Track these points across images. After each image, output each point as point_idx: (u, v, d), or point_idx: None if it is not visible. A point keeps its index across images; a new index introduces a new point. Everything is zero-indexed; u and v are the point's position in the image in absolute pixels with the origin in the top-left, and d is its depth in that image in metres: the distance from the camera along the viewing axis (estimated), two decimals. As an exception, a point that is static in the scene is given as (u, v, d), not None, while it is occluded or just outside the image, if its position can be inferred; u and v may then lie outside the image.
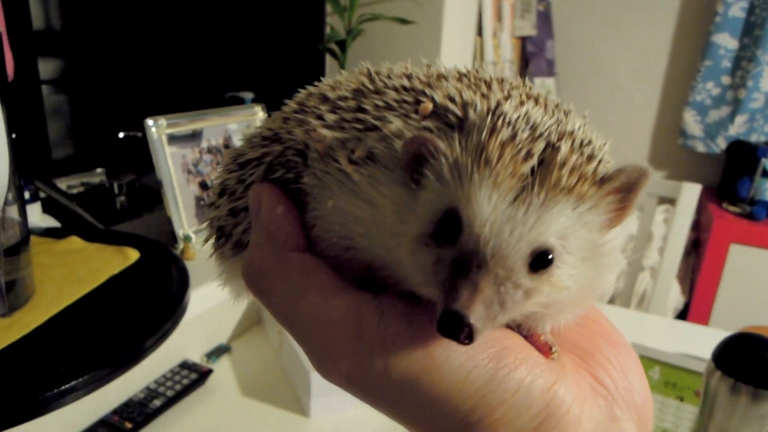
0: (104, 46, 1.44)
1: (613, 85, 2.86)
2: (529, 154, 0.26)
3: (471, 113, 0.27)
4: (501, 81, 0.31)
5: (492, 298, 0.25)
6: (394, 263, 0.28)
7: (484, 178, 0.25)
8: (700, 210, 2.50)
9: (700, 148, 2.71)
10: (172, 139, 1.12)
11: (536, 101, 0.30)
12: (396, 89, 0.31)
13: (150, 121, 1.07)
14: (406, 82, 0.31)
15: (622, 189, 0.27)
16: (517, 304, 0.26)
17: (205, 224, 0.38)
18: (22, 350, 0.67)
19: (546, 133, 0.27)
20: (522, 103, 0.28)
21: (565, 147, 0.26)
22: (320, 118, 0.31)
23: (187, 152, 1.16)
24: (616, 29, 2.84)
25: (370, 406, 0.28)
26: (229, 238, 0.35)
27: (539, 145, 0.26)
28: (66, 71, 1.41)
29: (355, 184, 0.28)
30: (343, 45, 1.75)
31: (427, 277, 0.26)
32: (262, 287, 0.30)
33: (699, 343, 1.17)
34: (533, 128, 0.27)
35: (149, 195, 1.32)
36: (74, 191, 1.34)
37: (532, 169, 0.26)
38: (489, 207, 0.25)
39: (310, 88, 0.34)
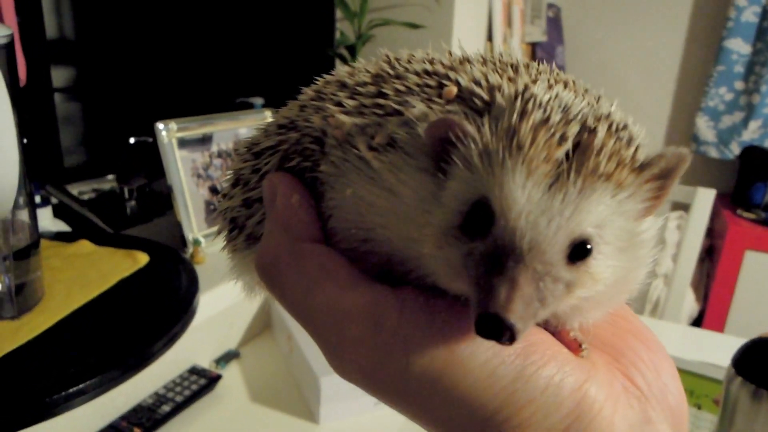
0: (115, 52, 1.45)
1: (624, 90, 2.84)
2: (563, 138, 0.24)
3: (498, 97, 0.26)
4: (527, 66, 0.29)
5: (531, 295, 0.23)
6: (417, 256, 0.27)
7: (517, 164, 0.24)
8: (714, 216, 2.47)
9: (714, 153, 2.68)
10: (183, 143, 1.12)
11: (565, 85, 0.28)
12: (417, 73, 0.29)
13: (160, 125, 1.07)
14: (428, 66, 0.29)
15: (661, 175, 0.26)
16: (558, 299, 0.24)
17: (217, 216, 0.36)
18: (30, 353, 0.66)
19: (580, 116, 0.25)
20: (551, 87, 0.27)
21: (602, 130, 0.25)
22: (339, 104, 0.30)
23: (197, 156, 1.16)
24: (627, 35, 2.82)
25: (388, 405, 0.27)
26: (242, 230, 0.34)
27: (573, 128, 0.25)
28: (78, 78, 1.42)
29: (375, 172, 0.27)
30: (353, 50, 1.75)
31: (457, 272, 0.25)
32: (276, 279, 0.29)
33: (716, 350, 1.15)
34: (566, 111, 0.25)
35: (160, 200, 1.32)
36: (85, 197, 1.34)
37: (567, 155, 0.24)
38: (523, 196, 0.24)
39: (327, 76, 0.33)
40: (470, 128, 0.25)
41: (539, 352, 0.25)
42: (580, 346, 0.27)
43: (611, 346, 0.28)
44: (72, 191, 1.29)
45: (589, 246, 0.25)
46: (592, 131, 0.25)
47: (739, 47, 2.55)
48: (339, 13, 1.76)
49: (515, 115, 0.25)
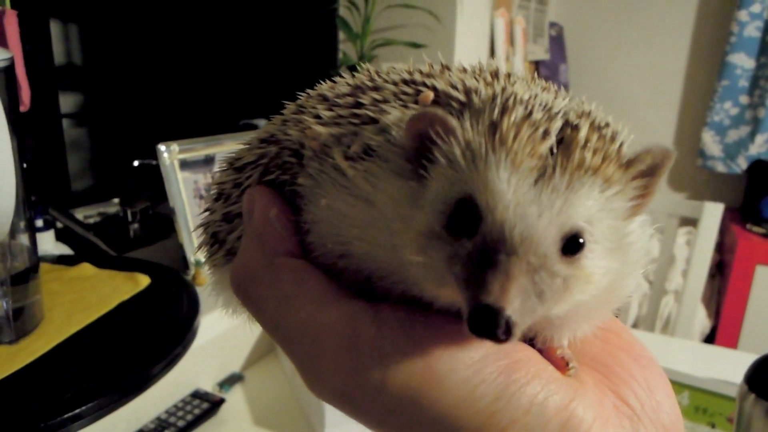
0: (121, 77, 1.47)
1: (628, 107, 2.84)
2: (546, 133, 0.24)
3: (475, 99, 0.25)
4: (509, 75, 0.29)
5: (528, 287, 0.22)
6: (399, 267, 0.26)
7: (501, 159, 0.23)
8: (724, 231, 2.45)
9: (720, 168, 2.66)
10: (185, 164, 1.12)
11: (545, 89, 0.28)
12: (395, 83, 0.29)
13: (162, 147, 1.07)
14: (406, 76, 0.29)
15: (647, 172, 0.25)
16: (556, 294, 0.23)
17: (198, 230, 0.36)
18: (28, 377, 0.65)
19: (561, 113, 0.25)
20: (530, 88, 0.26)
21: (584, 126, 0.24)
22: (317, 116, 0.29)
23: (199, 177, 1.16)
24: (630, 52, 2.83)
25: (365, 425, 0.25)
26: (222, 245, 0.33)
27: (557, 123, 0.24)
28: (85, 104, 1.43)
29: (350, 181, 0.26)
30: (355, 71, 1.76)
31: (443, 276, 0.23)
32: (250, 294, 0.28)
33: (729, 366, 1.12)
34: (547, 108, 0.25)
35: (163, 222, 1.32)
36: (91, 221, 1.35)
37: (551, 150, 0.24)
38: (510, 190, 0.23)
39: (310, 91, 0.32)
40: (453, 122, 0.24)
41: (523, 369, 0.24)
42: (567, 364, 0.26)
43: (601, 363, 0.27)
44: (78, 215, 1.29)
45: (581, 240, 0.24)
46: (575, 127, 0.24)
47: (743, 62, 2.55)
48: (342, 35, 1.78)
49: (497, 111, 0.24)
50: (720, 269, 2.55)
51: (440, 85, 0.27)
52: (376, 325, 0.25)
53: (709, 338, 2.42)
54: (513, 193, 0.23)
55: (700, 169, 2.74)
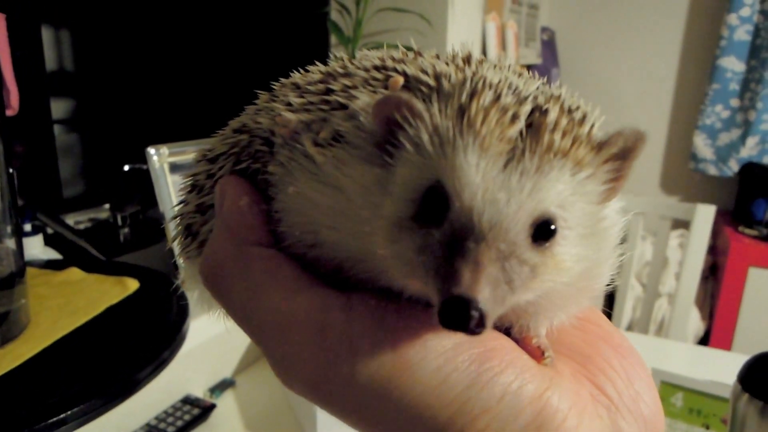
0: (112, 82, 1.46)
1: (620, 111, 2.85)
2: (515, 116, 0.23)
3: (445, 83, 0.25)
4: (481, 60, 0.29)
5: (498, 275, 0.21)
6: (368, 256, 0.25)
7: (469, 143, 0.23)
8: (716, 234, 2.46)
9: (712, 171, 2.68)
10: (175, 167, 1.11)
11: (519, 75, 0.27)
12: (366, 69, 0.28)
13: (152, 150, 1.06)
14: (377, 62, 0.29)
15: (620, 155, 0.25)
16: (527, 282, 0.22)
17: (171, 222, 0.35)
18: (12, 382, 0.64)
19: (531, 97, 0.24)
20: (501, 72, 0.26)
21: (554, 110, 0.24)
22: (288, 104, 0.29)
23: (189, 181, 1.15)
24: (621, 56, 2.84)
25: (338, 417, 0.25)
26: (195, 237, 0.33)
27: (526, 107, 0.24)
28: (76, 109, 1.42)
29: (319, 168, 0.25)
30: (347, 75, 1.75)
31: (413, 265, 0.23)
32: (219, 284, 0.28)
33: (723, 368, 1.12)
34: (516, 92, 0.24)
35: (153, 227, 1.31)
36: (81, 226, 1.33)
37: (521, 134, 0.23)
38: (478, 175, 0.22)
39: (283, 80, 0.32)
40: (419, 106, 0.24)
41: (497, 358, 0.23)
42: (543, 353, 0.25)
43: (579, 352, 0.27)
44: (69, 221, 1.28)
45: (553, 226, 0.23)
46: (545, 110, 0.24)
47: (733, 65, 2.57)
48: (333, 39, 1.78)
49: (465, 95, 0.24)
50: (713, 272, 2.56)
51: (410, 70, 0.26)
52: (346, 313, 0.24)
53: (703, 341, 2.43)
54: (481, 178, 0.22)
55: (692, 172, 2.75)
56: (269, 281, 0.26)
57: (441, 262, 0.22)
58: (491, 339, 0.24)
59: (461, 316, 0.20)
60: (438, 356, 0.23)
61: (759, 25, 2.52)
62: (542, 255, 0.23)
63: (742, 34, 2.53)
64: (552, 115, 0.23)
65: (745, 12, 2.50)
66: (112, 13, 1.44)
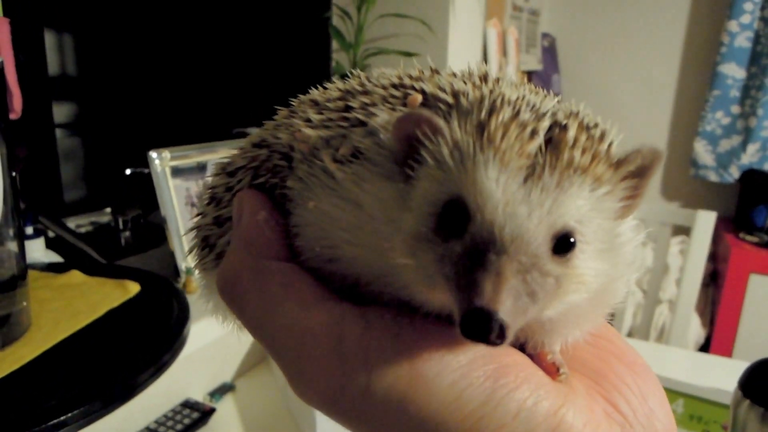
0: (114, 85, 1.46)
1: (621, 117, 2.83)
2: (534, 132, 0.24)
3: (463, 100, 0.25)
4: (498, 80, 0.29)
5: (519, 287, 0.22)
6: (388, 271, 0.25)
7: (489, 158, 0.23)
8: (717, 241, 2.45)
9: (713, 177, 2.68)
10: (177, 171, 1.11)
11: (534, 93, 0.28)
12: (385, 87, 0.29)
13: (153, 154, 1.06)
14: (395, 80, 0.29)
15: (637, 173, 0.25)
16: (549, 294, 0.23)
17: (189, 234, 0.35)
18: (13, 385, 0.64)
19: (549, 114, 0.25)
20: (518, 91, 0.26)
21: (573, 126, 0.24)
22: (307, 120, 0.29)
23: (191, 185, 1.15)
24: (622, 62, 2.85)
25: (349, 429, 0.25)
26: (212, 249, 0.33)
27: (544, 123, 0.24)
28: (78, 113, 1.43)
29: (338, 184, 0.26)
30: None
31: (434, 278, 0.23)
32: (236, 296, 0.28)
33: (724, 374, 1.12)
34: (534, 109, 0.25)
35: (155, 230, 1.31)
36: (83, 230, 1.34)
37: (540, 150, 0.24)
38: (499, 189, 0.23)
39: (302, 96, 0.32)
40: (440, 123, 0.24)
41: (512, 374, 0.23)
42: (558, 370, 0.25)
43: (593, 369, 0.27)
44: (70, 224, 1.28)
45: (572, 240, 0.23)
46: (564, 126, 0.24)
47: (734, 72, 2.57)
48: (335, 44, 1.78)
49: (484, 112, 0.24)
50: (714, 279, 2.55)
51: (428, 88, 0.27)
52: (362, 327, 0.24)
53: (704, 348, 2.42)
54: (502, 192, 0.23)
55: (693, 179, 2.76)
56: (285, 295, 0.26)
57: (462, 274, 0.22)
58: (506, 355, 0.24)
59: (483, 328, 0.21)
60: (453, 371, 0.23)
61: (759, 32, 2.52)
62: (563, 268, 0.23)
63: (743, 41, 2.54)
64: (571, 132, 0.24)
65: (746, 19, 2.51)
66: (114, 18, 1.45)
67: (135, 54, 1.49)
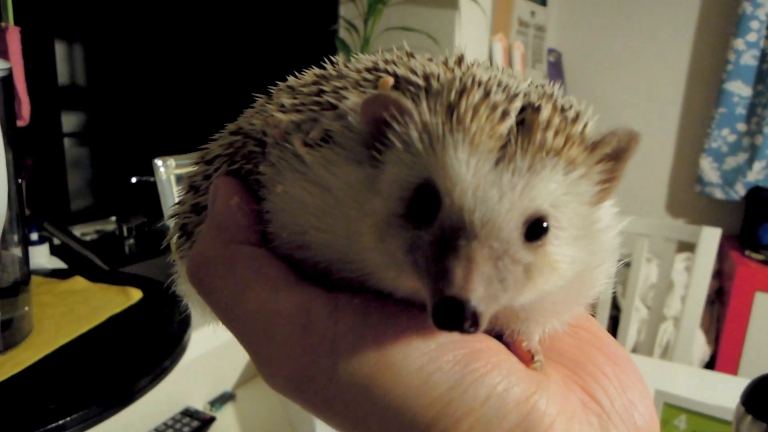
0: (122, 95, 1.48)
1: (626, 133, 2.85)
2: (505, 113, 0.23)
3: (434, 82, 0.25)
4: (474, 63, 0.29)
5: (491, 273, 0.21)
6: (357, 257, 0.25)
7: (459, 141, 0.22)
8: (723, 258, 2.44)
9: (719, 194, 2.67)
10: (181, 179, 1.12)
11: (508, 74, 0.27)
12: (359, 71, 0.28)
13: (158, 162, 1.07)
14: (369, 64, 0.29)
15: (613, 156, 0.24)
16: (520, 282, 0.22)
17: (168, 222, 0.35)
18: (13, 389, 0.64)
19: (521, 94, 0.24)
20: (491, 71, 0.26)
21: (546, 108, 0.24)
22: (281, 106, 0.29)
23: (195, 194, 1.16)
24: (628, 79, 2.86)
25: (319, 417, 0.25)
26: (189, 237, 0.33)
27: (516, 104, 0.24)
28: (86, 122, 1.44)
29: (308, 167, 0.25)
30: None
31: (403, 264, 0.23)
32: (206, 282, 0.28)
33: (727, 392, 1.11)
34: (506, 89, 0.24)
35: (159, 238, 1.32)
36: (88, 238, 1.34)
37: (512, 132, 0.23)
38: (469, 172, 0.22)
39: (280, 83, 0.32)
40: (408, 104, 0.24)
41: (482, 359, 0.23)
42: (532, 357, 0.25)
43: (570, 358, 0.26)
44: (75, 232, 1.29)
45: (545, 224, 0.23)
46: (537, 108, 0.24)
47: (740, 90, 2.58)
48: (341, 56, 1.80)
49: (454, 93, 0.23)
50: (719, 296, 2.54)
51: (401, 71, 0.27)
52: (330, 311, 0.24)
53: (709, 365, 2.40)
54: (472, 175, 0.22)
55: (698, 196, 2.75)
56: (255, 279, 0.26)
57: (432, 261, 0.21)
58: (478, 341, 0.24)
59: (455, 317, 0.20)
60: (421, 356, 0.23)
61: (765, 50, 2.53)
62: (535, 254, 0.23)
63: (749, 59, 2.54)
64: (545, 113, 0.23)
65: (752, 37, 2.52)
66: (123, 29, 1.46)
67: (142, 64, 1.50)
